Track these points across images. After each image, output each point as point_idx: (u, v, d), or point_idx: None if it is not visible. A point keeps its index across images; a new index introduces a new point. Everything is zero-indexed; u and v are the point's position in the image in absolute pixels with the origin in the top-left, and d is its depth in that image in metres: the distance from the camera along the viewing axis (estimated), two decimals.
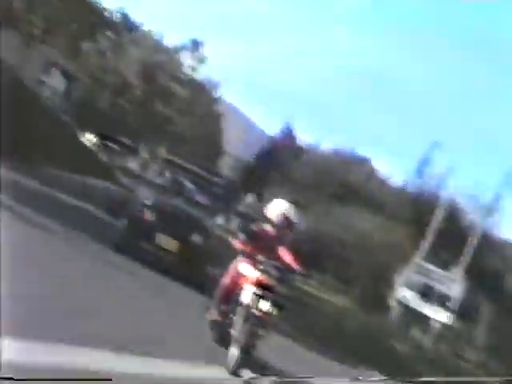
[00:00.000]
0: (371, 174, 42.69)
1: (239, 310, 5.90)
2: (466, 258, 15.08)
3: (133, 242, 8.25)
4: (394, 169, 58.01)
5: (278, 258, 6.16)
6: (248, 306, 5.76)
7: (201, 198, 9.09)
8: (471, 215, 18.53)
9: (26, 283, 4.91)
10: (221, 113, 21.54)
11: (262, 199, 22.28)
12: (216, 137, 22.90)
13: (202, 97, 17.89)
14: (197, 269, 8.50)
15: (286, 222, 6.20)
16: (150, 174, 9.43)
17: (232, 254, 7.01)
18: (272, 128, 33.89)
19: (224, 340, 6.15)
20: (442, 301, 14.06)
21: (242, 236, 6.27)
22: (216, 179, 9.95)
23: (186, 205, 8.78)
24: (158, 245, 8.19)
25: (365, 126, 51.42)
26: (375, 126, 52.31)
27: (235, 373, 5.70)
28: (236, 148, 26.32)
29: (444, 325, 14.68)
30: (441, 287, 14.15)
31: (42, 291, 5.15)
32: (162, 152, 9.92)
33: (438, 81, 57.37)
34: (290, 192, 27.49)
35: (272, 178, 30.23)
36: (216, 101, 20.18)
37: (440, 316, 14.12)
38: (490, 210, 18.50)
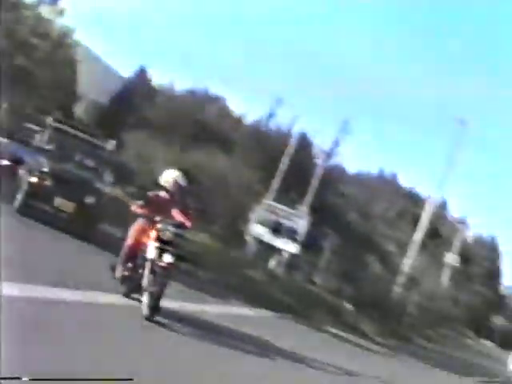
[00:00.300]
0: (225, 112, 45.33)
1: (146, 264, 7.23)
2: (310, 196, 18.15)
3: (34, 205, 9.66)
4: (248, 108, 61.09)
5: (173, 218, 7.63)
6: (153, 260, 7.13)
7: (89, 162, 10.58)
8: (314, 158, 21.64)
9: None
10: (78, 59, 22.15)
11: (122, 145, 23.57)
12: (72, 82, 23.48)
13: (60, 46, 18.47)
14: (91, 226, 10.19)
15: (177, 188, 7.74)
16: (39, 141, 10.51)
17: (123, 210, 8.76)
18: (128, 71, 34.54)
19: (134, 291, 7.55)
20: (290, 235, 17.05)
21: (139, 201, 7.67)
22: (99, 142, 11.41)
23: (77, 169, 10.26)
24: (57, 207, 9.67)
25: (220, 66, 53.30)
26: (231, 65, 54.38)
27: (149, 318, 7.00)
28: (93, 93, 27.00)
29: (293, 255, 17.78)
30: (289, 223, 17.12)
31: None
32: (49, 120, 10.92)
33: (296, 25, 60.68)
34: (146, 135, 28.94)
35: (128, 121, 31.27)
36: (73, 47, 20.78)
37: (290, 247, 17.18)
38: (330, 153, 21.72)
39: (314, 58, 56.44)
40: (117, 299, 7.39)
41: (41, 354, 4.60)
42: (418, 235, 29.30)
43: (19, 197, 9.88)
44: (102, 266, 8.13)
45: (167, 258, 7.17)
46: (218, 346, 7.03)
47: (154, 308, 7.06)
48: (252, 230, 17.58)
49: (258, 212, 17.58)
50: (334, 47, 63.15)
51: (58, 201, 9.98)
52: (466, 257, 63.88)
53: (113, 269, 7.81)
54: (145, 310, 7.06)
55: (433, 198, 36.11)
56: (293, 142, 21.13)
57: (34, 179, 9.83)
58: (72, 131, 10.90)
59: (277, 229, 17.21)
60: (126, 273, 7.64)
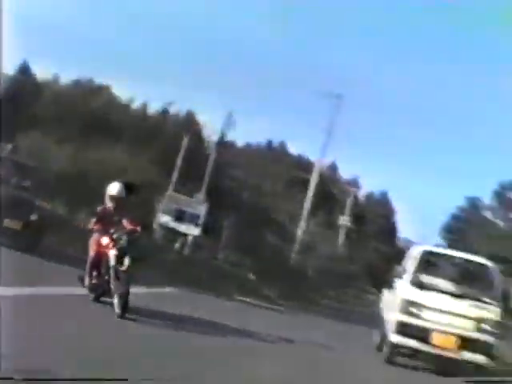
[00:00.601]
0: (111, 101, 46.52)
1: (110, 270, 8.74)
2: (205, 184, 20.75)
3: None
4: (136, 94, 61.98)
5: (123, 227, 9.13)
6: (114, 266, 8.67)
7: (25, 183, 12.44)
8: (207, 150, 24.06)
9: None
10: None
11: (18, 149, 24.72)
12: None
13: None
14: (38, 240, 12.20)
15: (120, 199, 9.27)
16: None
17: (63, 224, 10.85)
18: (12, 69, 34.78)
19: (102, 296, 9.03)
20: (192, 220, 19.62)
21: (92, 218, 9.25)
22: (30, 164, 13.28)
23: (17, 191, 12.10)
24: (7, 226, 11.53)
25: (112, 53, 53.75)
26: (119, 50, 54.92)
27: (122, 316, 8.41)
28: None
29: (197, 237, 20.37)
30: (190, 210, 19.69)
31: None
32: None
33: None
34: (39, 133, 29.91)
35: (19, 121, 32.00)
36: None
37: (192, 231, 19.78)
38: (220, 143, 24.20)
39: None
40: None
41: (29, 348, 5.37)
42: (308, 202, 32.80)
43: None
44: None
45: (126, 262, 8.85)
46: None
47: (124, 307, 8.65)
48: (159, 219, 20.02)
49: (163, 203, 20.04)
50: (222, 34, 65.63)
51: (7, 221, 11.80)
52: (360, 216, 69.13)
53: (81, 279, 9.31)
54: (117, 310, 8.63)
55: (320, 161, 39.80)
56: (186, 135, 23.60)
57: None
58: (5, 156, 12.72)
59: (180, 216, 19.73)
60: (94, 281, 9.19)
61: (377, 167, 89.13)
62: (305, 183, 68.15)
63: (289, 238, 29.78)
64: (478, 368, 10.58)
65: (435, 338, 10.63)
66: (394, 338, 10.89)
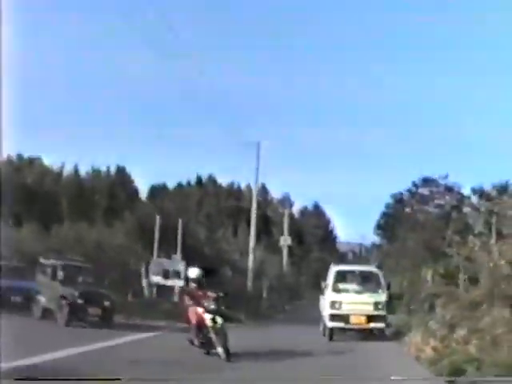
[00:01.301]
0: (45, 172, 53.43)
1: (210, 329, 13.25)
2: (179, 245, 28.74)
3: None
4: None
5: (208, 297, 13.79)
6: (211, 325, 13.13)
7: (89, 279, 20.56)
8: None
9: None
10: None
11: None
12: None
13: None
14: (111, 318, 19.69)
15: (200, 279, 14.36)
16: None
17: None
18: None
19: (209, 349, 13.41)
20: (176, 275, 27.52)
21: (187, 298, 14.05)
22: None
23: (90, 287, 20.04)
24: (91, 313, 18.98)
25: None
26: None
27: (228, 359, 12.71)
28: None
29: (182, 287, 28.20)
30: (172, 268, 27.69)
31: None
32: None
33: None
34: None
35: None
36: None
37: (178, 283, 27.64)
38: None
39: None
40: None
41: None
42: (252, 233, 40.73)
43: (65, 312, 18.58)
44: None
45: (219, 321, 13.61)
46: None
47: (228, 352, 13.23)
48: (150, 279, 27.74)
49: (151, 267, 27.85)
50: None
51: (91, 310, 18.98)
52: (298, 232, 77.13)
53: (191, 341, 13.83)
54: (223, 356, 13.12)
55: (255, 187, 47.58)
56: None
57: (77, 301, 18.64)
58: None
59: (166, 274, 27.52)
60: (202, 340, 13.75)
61: (305, 180, 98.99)
62: (240, 211, 76.03)
63: (243, 270, 37.94)
64: (379, 331, 19.37)
65: (352, 319, 19.18)
66: (329, 324, 19.49)
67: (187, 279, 15.32)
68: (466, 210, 49.76)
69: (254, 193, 47.18)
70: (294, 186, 73.88)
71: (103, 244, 28.19)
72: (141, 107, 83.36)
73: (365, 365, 14.37)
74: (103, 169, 75.63)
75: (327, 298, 19.49)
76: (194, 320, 14.14)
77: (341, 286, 19.32)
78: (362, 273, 20.26)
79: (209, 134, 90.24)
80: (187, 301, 14.64)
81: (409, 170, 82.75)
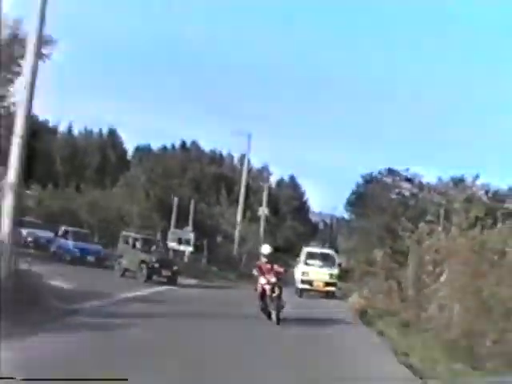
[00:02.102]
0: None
1: (268, 297, 17.95)
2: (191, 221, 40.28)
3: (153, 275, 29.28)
4: None
5: (274, 271, 18.31)
6: (270, 295, 17.86)
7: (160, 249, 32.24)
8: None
9: None
10: None
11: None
12: None
13: None
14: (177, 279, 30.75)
15: (270, 254, 18.82)
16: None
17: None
18: None
19: (267, 314, 18.02)
20: (187, 243, 38.99)
21: (256, 270, 18.57)
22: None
23: (162, 255, 31.53)
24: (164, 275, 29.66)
25: None
26: None
27: (278, 323, 17.60)
28: None
29: (191, 252, 39.51)
30: (185, 236, 39.29)
31: None
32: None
33: None
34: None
35: None
36: None
37: (188, 249, 38.98)
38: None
39: None
40: None
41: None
42: (240, 206, 52.00)
43: (143, 273, 28.23)
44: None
45: (276, 291, 17.97)
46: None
47: (278, 318, 17.72)
48: (169, 245, 39.10)
49: (169, 235, 39.21)
50: None
51: (164, 272, 28.81)
52: (274, 202, 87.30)
53: (259, 307, 18.33)
54: (274, 320, 17.65)
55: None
56: None
57: (154, 265, 28.48)
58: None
59: (180, 241, 38.84)
60: (262, 306, 18.28)
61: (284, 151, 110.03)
62: (221, 178, 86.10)
63: (231, 237, 49.63)
64: (332, 293, 31.32)
65: (315, 284, 31.00)
66: (300, 286, 31.33)
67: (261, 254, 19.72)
68: (423, 198, 61.31)
69: (244, 173, 58.52)
70: (274, 156, 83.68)
71: (123, 211, 39.43)
72: (136, 67, 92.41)
73: (321, 310, 25.81)
74: (95, 130, 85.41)
75: (300, 269, 31.24)
76: (259, 288, 18.75)
77: (309, 261, 31.08)
78: (322, 254, 32.14)
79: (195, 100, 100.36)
80: (256, 272, 19.14)
81: (386, 149, 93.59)
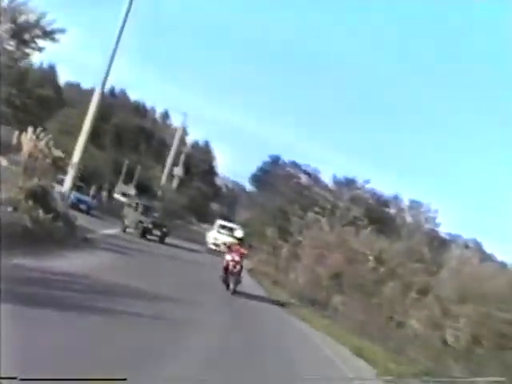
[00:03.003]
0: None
1: (230, 271, 25.33)
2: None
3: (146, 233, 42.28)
4: None
5: (239, 251, 25.79)
6: (231, 270, 25.22)
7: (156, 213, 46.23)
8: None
9: None
10: None
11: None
12: None
13: None
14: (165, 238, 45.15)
15: (239, 240, 26.53)
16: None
17: None
18: None
19: (227, 285, 25.33)
20: (129, 196, 53.34)
21: (227, 248, 26.77)
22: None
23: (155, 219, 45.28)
24: (155, 234, 42.24)
25: None
26: None
27: (234, 292, 25.25)
28: None
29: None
30: (128, 191, 53.51)
31: None
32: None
33: None
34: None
35: None
36: None
37: (126, 200, 53.95)
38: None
39: None
40: None
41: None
42: (168, 165, 66.64)
43: (139, 231, 40.15)
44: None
45: (237, 268, 25.19)
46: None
47: (234, 288, 25.00)
48: (115, 196, 53.31)
49: (116, 189, 53.52)
50: None
51: (156, 231, 40.55)
52: (186, 163, 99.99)
53: (221, 278, 25.35)
54: (231, 291, 24.73)
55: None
56: None
57: (148, 225, 40.55)
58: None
59: (123, 194, 53.43)
60: (224, 275, 25.25)
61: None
62: (143, 131, 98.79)
63: (155, 195, 64.45)
64: None
65: (221, 246, 46.58)
66: (210, 246, 46.91)
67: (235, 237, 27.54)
68: (316, 192, 71.98)
69: (177, 135, 72.65)
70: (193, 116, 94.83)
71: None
72: None
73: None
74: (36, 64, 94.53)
75: (212, 235, 46.79)
76: (225, 263, 25.53)
77: (220, 230, 46.74)
78: (230, 227, 47.86)
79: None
80: (227, 250, 26.71)
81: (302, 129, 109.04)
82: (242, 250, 25.99)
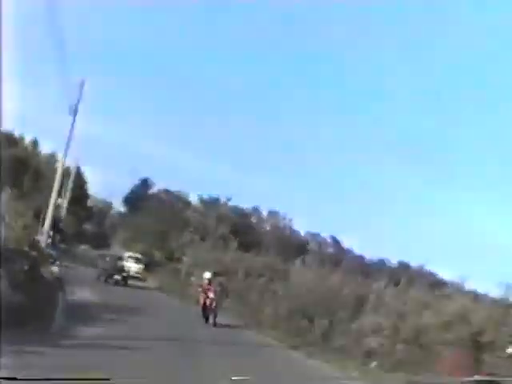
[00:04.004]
0: None
1: (208, 306, 34.20)
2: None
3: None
4: None
5: (212, 290, 34.40)
6: (209, 306, 34.18)
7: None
8: None
9: None
10: None
11: None
12: None
13: None
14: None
15: (209, 279, 35.12)
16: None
17: None
18: None
19: (206, 319, 34.15)
20: None
21: (200, 289, 35.58)
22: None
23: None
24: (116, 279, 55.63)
25: None
26: None
27: (215, 325, 33.69)
28: None
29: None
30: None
31: None
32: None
33: None
34: None
35: None
36: None
37: None
38: None
39: None
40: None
41: None
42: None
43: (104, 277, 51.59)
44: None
45: (214, 304, 33.73)
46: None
47: (215, 322, 33.50)
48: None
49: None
50: None
51: (116, 276, 53.02)
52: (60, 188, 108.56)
53: (203, 315, 34.03)
54: (211, 321, 33.46)
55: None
56: None
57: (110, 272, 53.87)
58: None
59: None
60: (203, 313, 34.07)
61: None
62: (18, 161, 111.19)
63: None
64: (140, 279, 65.74)
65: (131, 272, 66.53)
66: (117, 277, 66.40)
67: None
68: (190, 213, 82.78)
69: (60, 164, 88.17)
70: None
71: None
72: None
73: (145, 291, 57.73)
74: None
75: (124, 263, 66.31)
76: (202, 300, 34.02)
77: (128, 260, 66.60)
78: (136, 256, 67.92)
79: None
80: (200, 290, 34.64)
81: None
82: (215, 288, 35.10)
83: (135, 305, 35.87)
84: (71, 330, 21.31)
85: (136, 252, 71.32)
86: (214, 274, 36.66)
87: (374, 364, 26.72)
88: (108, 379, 9.89)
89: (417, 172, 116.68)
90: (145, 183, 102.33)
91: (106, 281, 52.82)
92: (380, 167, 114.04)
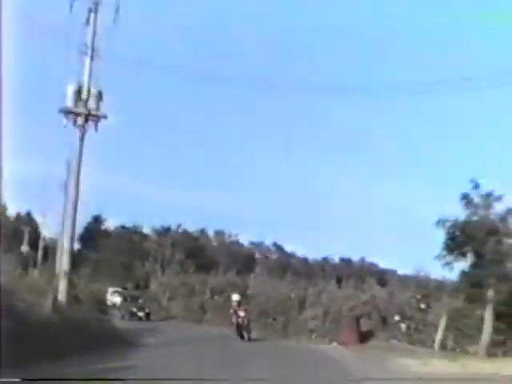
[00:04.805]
0: None
1: (241, 327, 41.21)
2: None
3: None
4: None
5: (244, 308, 42.11)
6: (241, 324, 41.57)
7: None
8: None
9: None
10: None
11: None
12: None
13: None
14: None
15: (237, 301, 42.40)
16: None
17: None
18: None
19: (241, 336, 41.12)
20: None
21: (232, 310, 42.70)
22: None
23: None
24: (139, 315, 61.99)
25: None
26: None
27: (249, 340, 40.85)
28: None
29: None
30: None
31: None
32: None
33: None
34: None
35: None
36: None
37: None
38: None
39: None
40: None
41: None
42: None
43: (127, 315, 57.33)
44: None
45: (246, 321, 41.02)
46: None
47: (249, 337, 40.83)
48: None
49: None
50: None
51: (139, 313, 62.10)
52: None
53: (235, 332, 40.92)
54: (246, 338, 40.39)
55: None
56: None
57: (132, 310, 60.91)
58: None
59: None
60: (236, 332, 40.82)
61: None
62: None
63: None
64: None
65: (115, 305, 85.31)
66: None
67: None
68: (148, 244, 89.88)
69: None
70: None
71: None
72: None
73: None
74: None
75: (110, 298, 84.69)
76: (234, 320, 40.64)
77: (115, 295, 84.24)
78: (123, 291, 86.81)
79: None
80: (232, 312, 41.22)
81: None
82: (245, 308, 41.59)
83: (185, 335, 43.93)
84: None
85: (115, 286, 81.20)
86: (241, 297, 46.41)
87: (313, 336, 48.44)
88: (122, 379, 9.65)
89: (349, 168, 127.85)
90: (97, 220, 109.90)
91: (130, 319, 58.71)
92: (310, 167, 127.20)
